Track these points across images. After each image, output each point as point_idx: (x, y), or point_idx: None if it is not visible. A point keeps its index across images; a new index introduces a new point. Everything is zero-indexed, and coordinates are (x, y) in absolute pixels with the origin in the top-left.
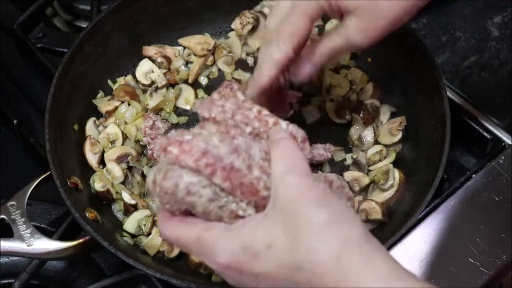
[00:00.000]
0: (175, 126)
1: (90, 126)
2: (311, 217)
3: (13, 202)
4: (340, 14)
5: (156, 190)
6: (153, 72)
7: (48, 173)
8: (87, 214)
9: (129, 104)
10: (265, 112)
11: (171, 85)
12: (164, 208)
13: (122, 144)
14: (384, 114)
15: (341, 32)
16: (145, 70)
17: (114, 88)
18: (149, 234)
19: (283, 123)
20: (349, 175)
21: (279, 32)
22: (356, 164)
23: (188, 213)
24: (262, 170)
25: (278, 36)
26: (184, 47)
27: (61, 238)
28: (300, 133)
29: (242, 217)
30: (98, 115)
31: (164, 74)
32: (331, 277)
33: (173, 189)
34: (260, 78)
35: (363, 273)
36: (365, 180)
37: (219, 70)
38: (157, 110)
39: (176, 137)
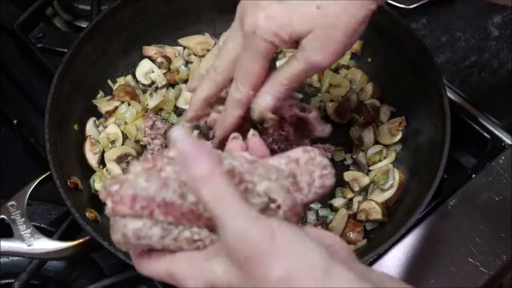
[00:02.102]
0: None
1: (90, 126)
2: (265, 273)
3: (13, 202)
4: (295, 44)
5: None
6: (153, 72)
7: (48, 173)
8: (87, 214)
9: (129, 104)
10: None
11: (171, 85)
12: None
13: (122, 144)
14: (384, 114)
15: (298, 56)
16: (145, 70)
17: (114, 88)
18: None
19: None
20: (349, 175)
21: (236, 74)
22: (356, 164)
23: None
24: None
25: (236, 78)
26: (184, 47)
27: (61, 238)
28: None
29: (200, 240)
30: (98, 115)
31: (164, 74)
32: None
33: (124, 239)
34: (226, 118)
35: None
36: (365, 180)
37: None
38: (157, 110)
39: (108, 189)
